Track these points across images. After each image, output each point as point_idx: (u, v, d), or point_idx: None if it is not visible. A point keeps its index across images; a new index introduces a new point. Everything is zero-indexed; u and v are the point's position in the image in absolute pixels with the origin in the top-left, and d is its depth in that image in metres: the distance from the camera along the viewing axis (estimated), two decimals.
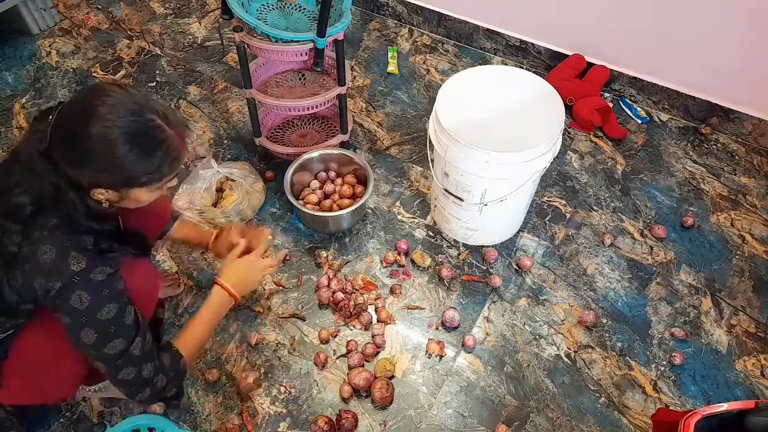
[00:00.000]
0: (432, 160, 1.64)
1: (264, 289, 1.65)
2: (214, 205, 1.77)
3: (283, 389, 1.46)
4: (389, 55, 2.40)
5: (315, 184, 1.84)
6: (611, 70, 2.20)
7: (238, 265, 1.32)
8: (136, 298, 1.06)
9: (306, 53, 1.60)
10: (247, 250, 1.36)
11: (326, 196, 1.82)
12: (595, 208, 1.90)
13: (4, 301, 0.98)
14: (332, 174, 1.88)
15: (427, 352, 1.53)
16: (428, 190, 1.91)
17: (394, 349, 1.54)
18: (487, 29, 2.38)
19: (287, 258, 1.72)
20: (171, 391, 1.13)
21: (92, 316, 0.98)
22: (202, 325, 1.23)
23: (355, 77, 2.31)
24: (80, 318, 0.97)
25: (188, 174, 1.77)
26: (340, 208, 1.73)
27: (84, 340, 0.99)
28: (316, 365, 1.50)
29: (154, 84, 2.27)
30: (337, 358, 1.52)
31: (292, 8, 1.71)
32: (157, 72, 2.33)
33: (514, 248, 1.78)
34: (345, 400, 1.43)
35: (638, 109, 2.22)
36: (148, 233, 1.28)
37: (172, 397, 1.41)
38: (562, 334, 1.59)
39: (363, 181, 1.82)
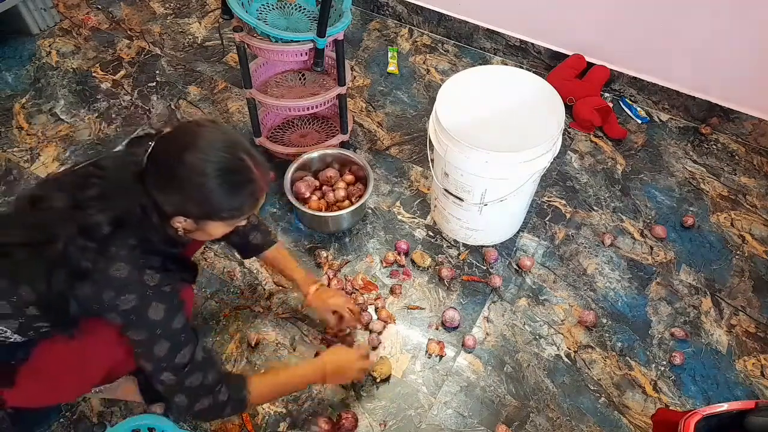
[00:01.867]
0: (432, 160, 1.64)
1: (264, 290, 1.65)
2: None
3: None
4: (389, 55, 2.40)
5: (312, 181, 1.83)
6: (611, 70, 2.20)
7: (347, 357, 1.33)
8: None
9: (306, 53, 1.60)
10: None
11: (324, 195, 1.81)
12: (595, 208, 1.90)
13: (62, 308, 0.99)
14: (332, 174, 1.87)
15: (427, 352, 1.53)
16: (428, 190, 1.91)
17: (394, 349, 1.54)
18: (487, 29, 2.38)
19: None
20: (230, 412, 1.13)
21: (167, 326, 1.01)
22: (286, 381, 1.25)
23: (355, 77, 2.31)
24: (156, 329, 1.00)
25: None
26: (340, 209, 1.73)
27: (158, 354, 1.01)
28: None
29: (154, 84, 2.27)
30: None
31: (292, 8, 1.71)
32: (157, 72, 2.33)
33: (514, 248, 1.78)
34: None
35: (638, 109, 2.22)
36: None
37: None
38: (562, 334, 1.59)
39: (363, 181, 1.82)
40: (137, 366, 1.07)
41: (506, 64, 2.40)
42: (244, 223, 1.09)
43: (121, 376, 1.31)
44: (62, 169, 1.81)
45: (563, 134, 2.01)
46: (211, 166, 0.94)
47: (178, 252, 1.10)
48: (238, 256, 1.59)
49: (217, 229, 1.05)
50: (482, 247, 1.77)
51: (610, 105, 2.16)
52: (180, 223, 0.99)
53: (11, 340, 1.04)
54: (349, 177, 1.85)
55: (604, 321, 1.62)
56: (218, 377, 1.09)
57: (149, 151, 0.97)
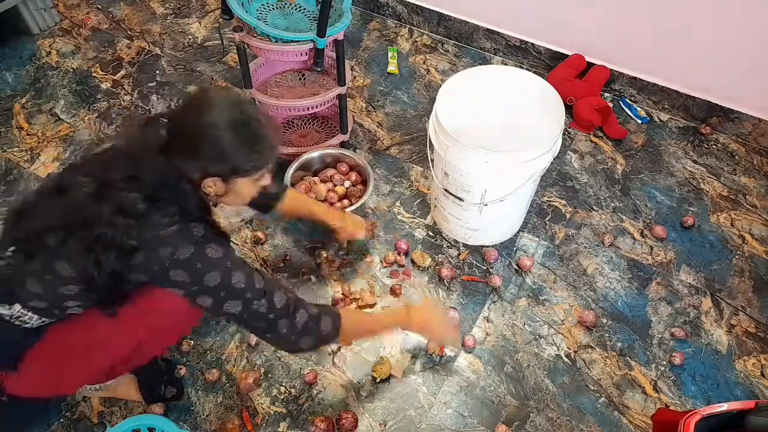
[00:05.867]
0: (432, 160, 1.65)
1: None
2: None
3: (283, 389, 1.46)
4: (389, 55, 2.40)
5: (312, 182, 1.83)
6: (611, 70, 2.20)
7: (436, 314, 1.41)
8: None
9: (306, 53, 1.60)
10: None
11: (324, 195, 1.81)
12: (595, 208, 1.90)
13: (112, 286, 1.01)
14: (332, 174, 1.87)
15: (427, 352, 1.53)
16: (428, 190, 1.91)
17: (394, 349, 1.54)
18: (487, 29, 2.38)
19: (287, 258, 1.72)
20: (329, 328, 1.16)
21: (231, 259, 1.06)
22: (373, 320, 1.37)
23: (355, 77, 2.31)
24: (225, 263, 1.04)
25: None
26: (341, 208, 1.73)
27: (238, 286, 1.04)
28: (317, 365, 1.50)
29: (154, 84, 2.27)
30: (336, 352, 1.52)
31: (292, 8, 1.71)
32: (157, 72, 2.33)
33: (514, 248, 1.78)
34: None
35: (638, 109, 2.22)
36: None
37: (172, 397, 1.41)
38: (562, 334, 1.59)
39: (363, 180, 1.82)
40: (224, 318, 1.14)
41: (506, 64, 2.40)
42: (268, 181, 1.14)
43: (122, 372, 1.31)
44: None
45: (563, 134, 2.01)
46: (225, 120, 1.00)
47: (211, 219, 1.14)
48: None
49: (245, 187, 1.09)
50: (482, 247, 1.77)
51: (610, 105, 2.16)
52: (211, 187, 1.04)
53: (28, 324, 1.06)
54: (348, 177, 1.84)
55: (604, 321, 1.62)
56: (295, 294, 1.14)
57: (167, 123, 1.02)
